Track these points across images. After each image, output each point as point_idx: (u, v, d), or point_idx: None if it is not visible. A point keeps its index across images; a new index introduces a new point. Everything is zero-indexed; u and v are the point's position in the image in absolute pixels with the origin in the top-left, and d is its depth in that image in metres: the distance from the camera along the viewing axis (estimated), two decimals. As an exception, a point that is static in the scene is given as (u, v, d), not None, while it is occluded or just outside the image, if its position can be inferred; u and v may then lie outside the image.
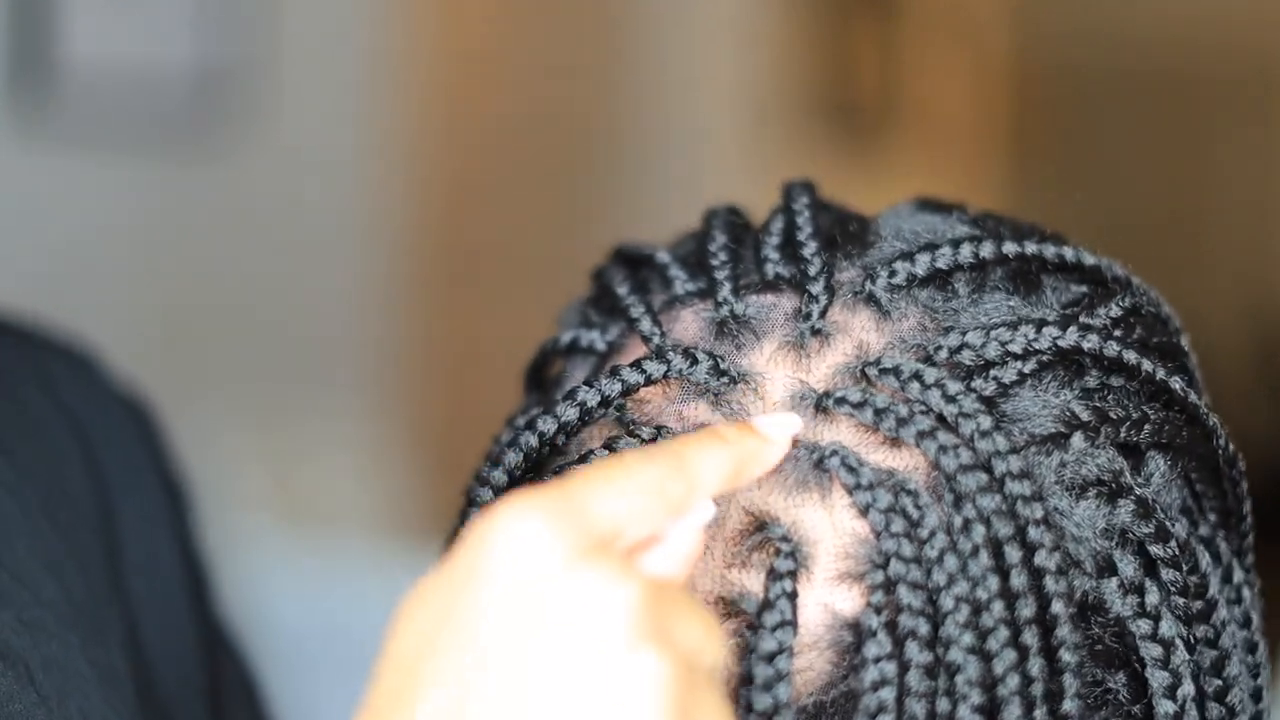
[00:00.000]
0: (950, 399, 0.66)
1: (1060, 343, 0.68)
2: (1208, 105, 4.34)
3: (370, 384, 3.04)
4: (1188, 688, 0.67)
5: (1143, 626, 0.67)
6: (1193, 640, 0.68)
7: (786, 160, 3.80)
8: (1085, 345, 0.68)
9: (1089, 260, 0.71)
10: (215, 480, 2.36)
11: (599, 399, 0.68)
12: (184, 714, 0.85)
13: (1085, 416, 0.67)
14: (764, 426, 0.65)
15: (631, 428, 0.68)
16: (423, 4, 3.14)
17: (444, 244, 3.23)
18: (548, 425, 0.68)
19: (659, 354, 0.68)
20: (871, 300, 0.69)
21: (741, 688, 0.64)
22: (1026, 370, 0.68)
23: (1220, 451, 0.71)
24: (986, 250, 0.69)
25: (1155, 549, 0.67)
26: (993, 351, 0.67)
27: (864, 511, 0.65)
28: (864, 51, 4.11)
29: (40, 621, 0.76)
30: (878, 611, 0.64)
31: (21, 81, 2.53)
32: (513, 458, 0.69)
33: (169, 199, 2.70)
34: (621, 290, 0.72)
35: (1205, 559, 0.69)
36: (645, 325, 0.70)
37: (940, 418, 0.66)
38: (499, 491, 0.70)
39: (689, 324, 0.70)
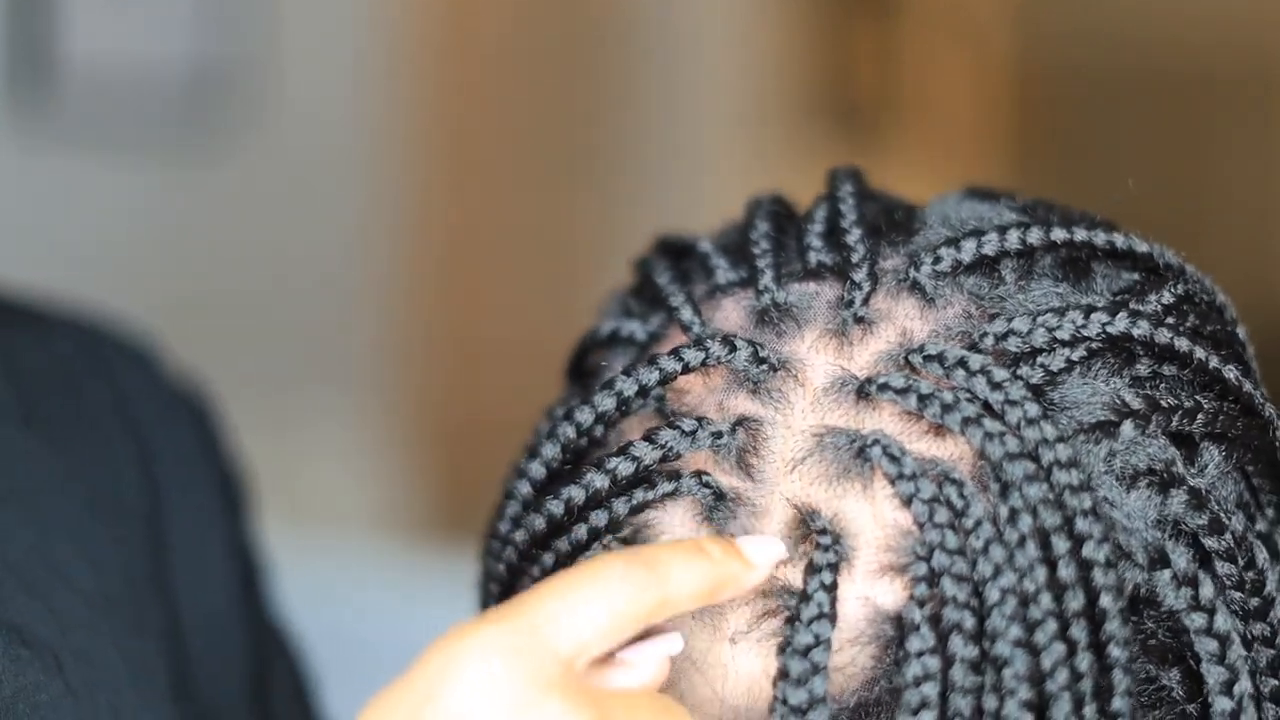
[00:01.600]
0: (996, 386, 0.64)
1: (1109, 329, 0.66)
2: (1208, 105, 4.33)
3: (371, 384, 3.03)
4: (1245, 684, 0.65)
5: (1197, 620, 0.65)
6: (1249, 637, 0.66)
7: (786, 160, 3.78)
8: (1135, 332, 0.66)
9: (1141, 247, 0.69)
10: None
11: (637, 388, 0.67)
12: (226, 711, 0.84)
13: (1136, 405, 0.65)
14: (748, 549, 0.63)
15: (671, 419, 0.66)
16: (422, 4, 3.13)
17: (444, 244, 3.22)
18: (585, 416, 0.67)
19: (697, 342, 0.67)
20: (916, 287, 0.67)
21: (779, 682, 0.62)
22: (1075, 357, 0.66)
23: (1278, 445, 0.69)
24: (1034, 236, 0.67)
25: (1210, 541, 0.65)
26: (1040, 338, 0.66)
27: (907, 502, 0.63)
28: (864, 51, 4.09)
29: (72, 612, 0.75)
30: (921, 605, 0.62)
31: (21, 81, 2.52)
32: (550, 450, 0.68)
33: (169, 199, 2.69)
34: (662, 280, 0.71)
35: (1262, 555, 0.67)
36: (685, 314, 0.69)
37: (986, 405, 0.64)
38: (536, 485, 0.69)
39: (730, 313, 0.69)
